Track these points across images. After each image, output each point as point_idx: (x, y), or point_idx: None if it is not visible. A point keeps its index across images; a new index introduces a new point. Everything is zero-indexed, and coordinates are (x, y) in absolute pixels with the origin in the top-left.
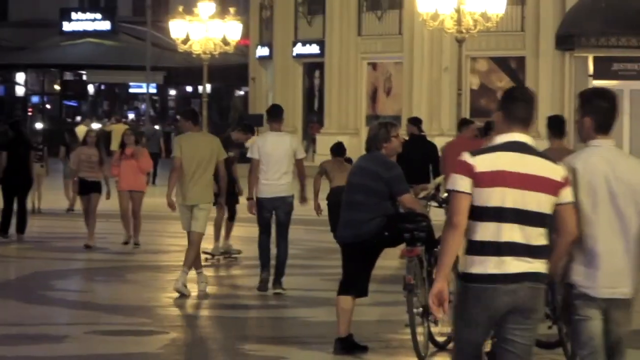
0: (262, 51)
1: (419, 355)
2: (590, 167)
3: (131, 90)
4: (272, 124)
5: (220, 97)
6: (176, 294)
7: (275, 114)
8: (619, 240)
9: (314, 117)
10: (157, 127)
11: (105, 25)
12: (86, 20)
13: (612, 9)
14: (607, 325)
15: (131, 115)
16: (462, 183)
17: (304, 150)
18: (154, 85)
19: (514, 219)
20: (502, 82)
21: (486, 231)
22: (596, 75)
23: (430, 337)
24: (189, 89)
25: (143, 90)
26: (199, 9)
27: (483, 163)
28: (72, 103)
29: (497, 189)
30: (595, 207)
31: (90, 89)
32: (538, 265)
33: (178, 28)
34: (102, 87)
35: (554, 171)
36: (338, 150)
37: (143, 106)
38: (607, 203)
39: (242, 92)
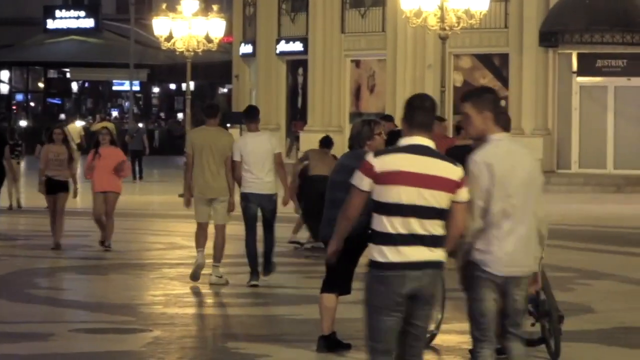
0: (246, 48)
1: None
2: (498, 159)
3: (115, 88)
4: (249, 124)
5: (204, 95)
6: (159, 291)
7: (251, 115)
8: (519, 223)
9: (297, 115)
10: (140, 124)
11: (89, 23)
12: (70, 18)
13: (596, 5)
14: (506, 300)
15: (115, 113)
16: (361, 181)
17: (280, 145)
18: (137, 82)
19: (413, 213)
20: (486, 79)
21: (390, 223)
22: (580, 72)
23: None
24: (172, 86)
25: (126, 87)
26: (183, 7)
27: (383, 163)
28: (56, 101)
29: (395, 187)
30: (504, 194)
31: (74, 86)
32: (438, 254)
33: (161, 26)
34: (86, 84)
35: (452, 172)
36: (326, 142)
37: (126, 104)
38: (511, 190)
39: (225, 90)
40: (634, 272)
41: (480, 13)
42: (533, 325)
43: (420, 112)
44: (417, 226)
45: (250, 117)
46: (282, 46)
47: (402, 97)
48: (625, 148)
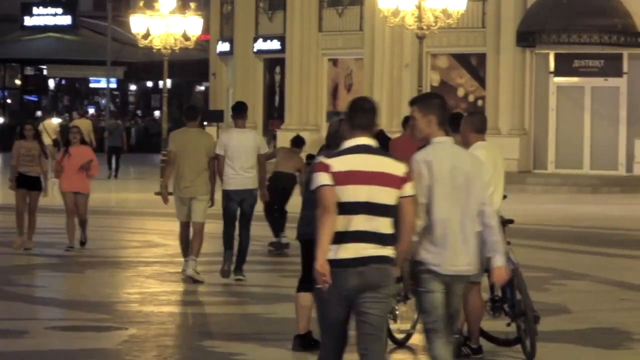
0: (223, 46)
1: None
2: (438, 159)
3: (91, 85)
4: (236, 120)
5: (181, 93)
6: (135, 289)
7: (240, 111)
8: (461, 223)
9: (274, 113)
10: (119, 121)
11: (66, 20)
12: (47, 15)
13: (574, 6)
14: (449, 297)
15: (91, 110)
16: (323, 178)
17: (267, 146)
18: (114, 80)
19: (365, 211)
20: (463, 79)
21: (342, 222)
22: (557, 72)
23: (389, 333)
24: (149, 84)
25: (103, 85)
26: (160, 4)
27: (337, 164)
28: (33, 98)
29: (349, 186)
30: (442, 193)
31: (51, 83)
32: (385, 250)
33: (138, 23)
34: (63, 81)
35: (396, 168)
36: (296, 141)
37: (103, 101)
38: (452, 190)
39: (202, 88)
40: (610, 273)
41: (458, 13)
42: (509, 325)
43: (361, 113)
44: (366, 223)
45: (238, 112)
46: (260, 44)
47: (378, 96)
48: (602, 149)
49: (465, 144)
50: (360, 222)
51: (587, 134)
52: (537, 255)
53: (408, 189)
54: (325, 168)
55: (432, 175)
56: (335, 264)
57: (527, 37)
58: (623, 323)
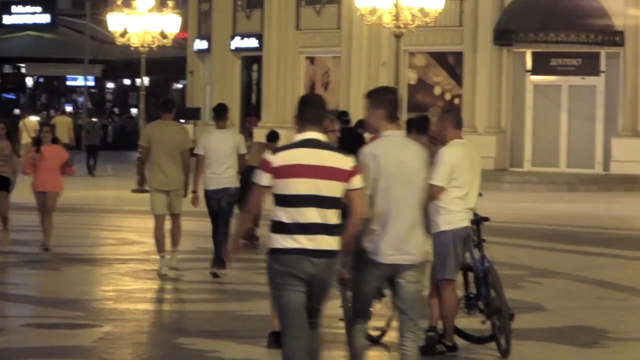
0: (201, 44)
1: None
2: (385, 152)
3: (69, 83)
4: (217, 121)
5: (158, 91)
6: (110, 287)
7: (221, 112)
8: (406, 214)
9: (251, 111)
10: (95, 119)
11: (45, 19)
12: (26, 13)
13: (551, 4)
14: (395, 288)
15: (69, 108)
16: (260, 178)
17: (245, 146)
18: (92, 78)
19: (311, 203)
20: (440, 77)
21: (288, 214)
22: (534, 71)
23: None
24: (126, 81)
25: (81, 83)
26: (138, 3)
27: (282, 159)
28: (11, 96)
29: (293, 180)
30: (389, 185)
31: (29, 81)
32: (332, 242)
33: (116, 21)
34: (41, 79)
35: (344, 162)
36: (271, 136)
37: (81, 99)
38: (398, 182)
39: (180, 86)
40: (586, 271)
41: (435, 11)
42: (484, 322)
43: (310, 108)
44: (314, 216)
45: (219, 114)
46: (237, 42)
47: (356, 94)
48: (579, 147)
49: (443, 141)
50: (307, 214)
51: (563, 132)
52: (513, 253)
53: (356, 181)
54: (267, 165)
55: (378, 168)
56: (285, 252)
57: (504, 36)
58: (598, 321)
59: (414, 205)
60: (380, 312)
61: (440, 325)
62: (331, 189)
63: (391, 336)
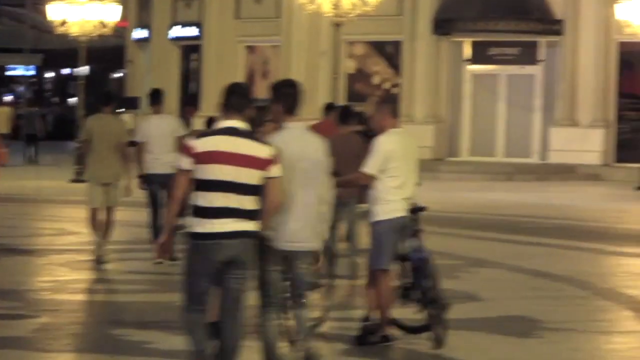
0: (140, 33)
1: (290, 340)
2: (284, 144)
3: (8, 73)
4: (154, 106)
5: (98, 80)
6: (47, 277)
7: (156, 97)
8: (303, 204)
9: (190, 100)
10: (35, 108)
11: None
12: None
13: None
14: (292, 273)
15: (8, 98)
16: (182, 162)
17: (182, 129)
18: (32, 67)
19: (228, 189)
20: (379, 67)
21: (207, 198)
22: (473, 60)
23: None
24: (66, 71)
25: (21, 72)
26: None
27: (202, 145)
28: None
29: (212, 165)
30: (291, 176)
31: None
32: (249, 225)
33: (56, 10)
34: None
35: (261, 150)
36: (210, 123)
37: (21, 88)
38: (296, 173)
39: (119, 75)
40: (521, 260)
41: (375, 0)
42: (419, 313)
43: (234, 96)
44: (231, 200)
45: (155, 99)
46: (177, 31)
47: None
48: (516, 136)
49: (381, 130)
50: (224, 199)
51: (501, 122)
52: (449, 242)
53: (273, 170)
54: (188, 150)
55: (281, 160)
56: (204, 237)
57: (443, 25)
58: (533, 311)
59: (312, 195)
60: (316, 302)
61: (375, 315)
62: (247, 176)
63: (329, 326)
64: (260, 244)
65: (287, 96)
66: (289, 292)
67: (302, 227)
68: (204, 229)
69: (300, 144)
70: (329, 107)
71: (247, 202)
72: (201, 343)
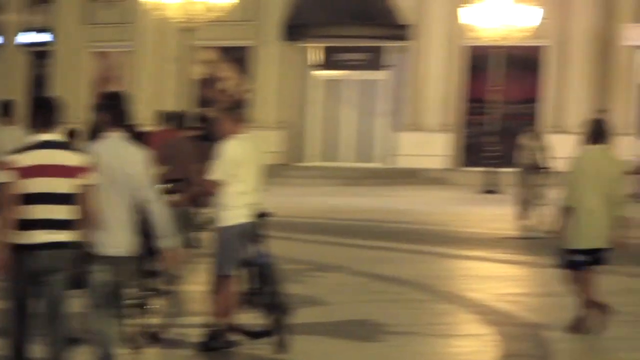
0: None
1: (132, 347)
2: (104, 153)
3: None
4: (4, 118)
5: None
6: None
7: (8, 109)
8: (119, 211)
9: None
10: None
11: None
12: None
13: (338, 0)
14: (115, 276)
15: None
16: (2, 177)
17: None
18: None
19: (46, 200)
20: (229, 72)
21: (27, 211)
22: (321, 66)
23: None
24: None
25: None
26: None
27: (23, 160)
28: None
29: (32, 180)
30: (107, 184)
31: None
32: (64, 236)
33: None
34: None
35: (75, 159)
36: (72, 134)
37: None
38: (113, 182)
39: None
40: (364, 265)
41: (226, 6)
42: (262, 318)
43: (45, 111)
44: (49, 211)
45: (5, 111)
46: (27, 37)
47: (145, 89)
48: (364, 142)
49: (224, 135)
50: (42, 211)
51: (348, 127)
52: (295, 247)
53: (88, 179)
54: (7, 166)
55: (99, 167)
56: (24, 248)
57: (292, 31)
58: (377, 315)
59: (125, 201)
60: (159, 309)
61: (220, 320)
62: (63, 185)
63: (173, 332)
64: (82, 251)
65: (112, 107)
66: (130, 298)
67: (116, 232)
68: (23, 240)
69: (114, 152)
70: (169, 116)
71: (64, 212)
72: (20, 349)
